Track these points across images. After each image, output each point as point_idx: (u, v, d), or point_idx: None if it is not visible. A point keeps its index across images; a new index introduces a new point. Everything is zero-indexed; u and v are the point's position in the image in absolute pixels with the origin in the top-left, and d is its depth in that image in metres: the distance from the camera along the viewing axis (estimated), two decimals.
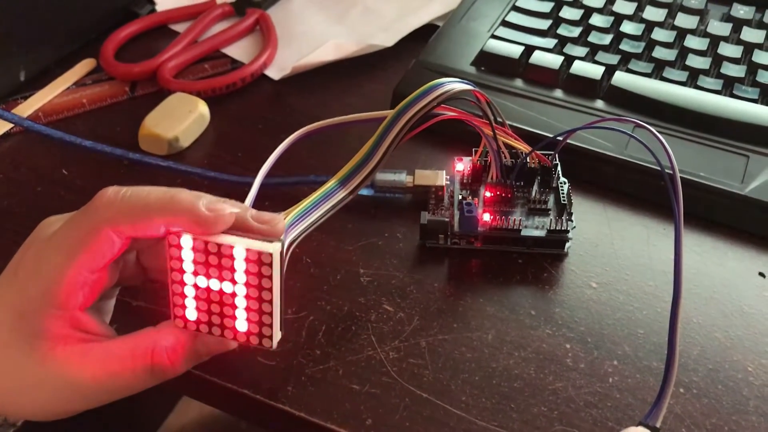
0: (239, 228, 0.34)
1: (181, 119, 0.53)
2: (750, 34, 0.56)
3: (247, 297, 0.34)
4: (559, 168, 0.47)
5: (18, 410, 0.37)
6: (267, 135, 0.54)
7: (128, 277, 0.38)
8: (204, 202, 0.33)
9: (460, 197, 0.46)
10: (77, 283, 0.34)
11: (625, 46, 0.56)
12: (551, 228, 0.44)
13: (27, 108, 0.55)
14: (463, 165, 0.48)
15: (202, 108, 0.54)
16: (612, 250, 0.46)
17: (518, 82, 0.54)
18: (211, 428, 0.98)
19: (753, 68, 0.54)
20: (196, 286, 0.35)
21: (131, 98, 0.57)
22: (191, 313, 0.35)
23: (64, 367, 0.34)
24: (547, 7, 0.59)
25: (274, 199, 0.48)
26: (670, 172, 0.38)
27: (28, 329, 0.34)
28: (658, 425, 0.35)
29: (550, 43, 0.56)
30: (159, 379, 0.35)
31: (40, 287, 0.34)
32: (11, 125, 0.53)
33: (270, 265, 0.33)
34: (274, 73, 0.59)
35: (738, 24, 0.58)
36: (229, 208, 0.34)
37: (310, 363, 0.40)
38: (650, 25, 0.58)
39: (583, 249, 0.46)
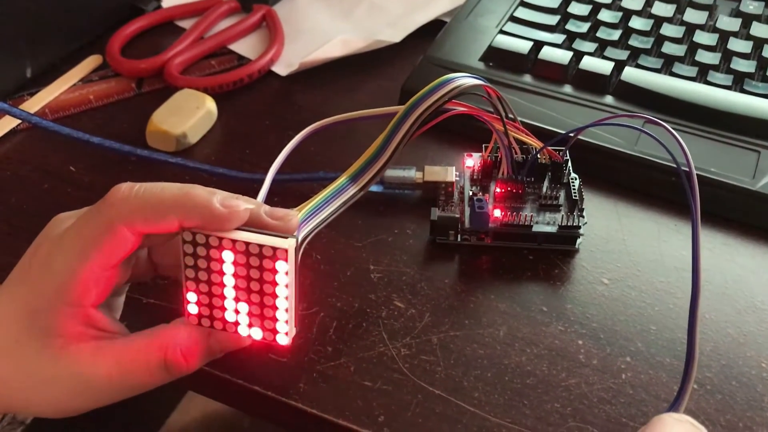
0: (253, 224, 0.34)
1: (189, 116, 0.52)
2: (760, 29, 0.56)
3: (262, 293, 0.34)
4: (569, 164, 0.46)
5: (29, 407, 0.36)
6: (274, 131, 0.54)
7: (139, 273, 0.38)
8: (218, 198, 0.33)
9: (471, 193, 0.46)
10: (90, 281, 0.33)
11: (634, 41, 0.56)
12: (562, 224, 0.44)
13: (34, 104, 0.55)
14: (473, 161, 0.47)
15: (210, 104, 0.54)
16: (623, 246, 0.46)
17: (527, 78, 0.54)
18: (214, 426, 0.98)
19: (763, 63, 0.53)
20: (209, 282, 0.34)
21: (138, 94, 0.57)
22: (205, 310, 0.35)
23: (77, 364, 0.34)
24: (555, 3, 0.59)
25: (284, 195, 0.48)
26: (686, 168, 0.37)
27: (41, 326, 0.34)
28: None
29: (558, 38, 0.56)
30: (173, 376, 0.35)
31: (53, 284, 0.34)
32: (18, 122, 0.53)
33: (285, 260, 0.33)
34: (281, 69, 0.59)
35: (747, 19, 0.58)
36: (244, 204, 0.34)
37: (321, 360, 0.40)
38: (659, 21, 0.57)
39: (594, 245, 0.46)
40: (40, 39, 0.57)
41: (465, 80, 0.40)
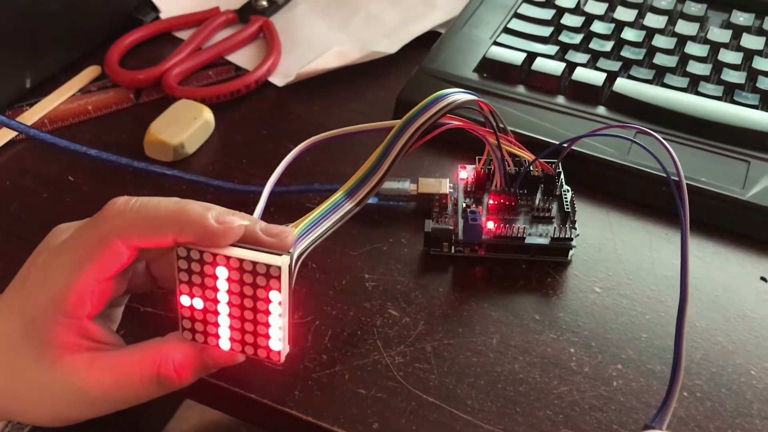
0: (248, 240, 0.34)
1: (187, 126, 0.53)
2: (750, 41, 0.57)
3: (255, 310, 0.34)
4: (562, 176, 0.47)
5: (25, 416, 0.37)
6: (271, 141, 0.55)
7: (137, 285, 0.38)
8: (213, 214, 0.33)
9: (465, 205, 0.46)
10: (85, 292, 0.34)
11: (626, 52, 0.56)
12: (555, 236, 0.45)
13: (33, 115, 0.55)
14: (466, 173, 0.48)
15: (207, 115, 0.54)
16: (615, 255, 0.47)
17: (520, 89, 0.54)
18: None
19: (753, 74, 0.54)
20: (204, 297, 0.35)
21: (136, 105, 0.57)
22: (199, 326, 0.35)
23: (71, 374, 0.34)
24: (548, 15, 0.60)
25: (279, 206, 0.49)
26: (676, 178, 0.38)
27: (36, 336, 0.34)
28: (663, 429, 0.35)
29: (551, 49, 0.57)
30: (166, 389, 0.35)
31: (48, 295, 0.34)
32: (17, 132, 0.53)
33: (278, 278, 0.33)
34: (278, 79, 0.59)
35: (738, 31, 0.58)
36: (239, 220, 0.34)
37: (316, 367, 0.40)
38: (651, 32, 0.58)
39: (587, 254, 0.47)
40: (39, 50, 0.57)
41: (459, 96, 0.41)
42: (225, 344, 0.36)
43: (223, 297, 0.34)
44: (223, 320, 0.35)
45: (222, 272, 0.34)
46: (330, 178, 0.51)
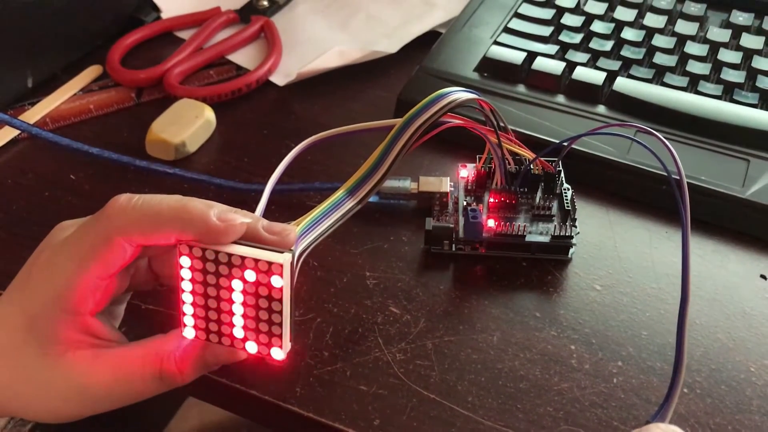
0: (250, 238, 0.34)
1: (188, 125, 0.53)
2: (749, 41, 0.57)
3: (257, 308, 0.34)
4: (562, 174, 0.47)
5: (27, 412, 0.37)
6: (272, 140, 0.55)
7: (140, 282, 0.38)
8: (215, 212, 0.33)
9: (465, 203, 0.46)
10: (88, 289, 0.34)
11: (626, 52, 0.57)
12: (555, 234, 0.45)
13: (34, 114, 0.55)
14: (467, 171, 0.48)
15: (209, 114, 0.54)
16: (615, 253, 0.47)
17: (521, 88, 0.55)
18: None
19: (752, 74, 0.54)
20: (206, 295, 0.35)
21: (137, 104, 0.57)
22: (201, 323, 0.36)
23: (74, 371, 0.34)
24: (548, 14, 0.60)
25: (280, 204, 0.49)
26: (677, 177, 0.38)
27: (39, 333, 0.34)
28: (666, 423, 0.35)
29: (552, 49, 0.57)
30: (167, 386, 0.36)
31: (51, 292, 0.34)
32: (19, 131, 0.53)
33: (280, 276, 0.33)
34: (279, 79, 0.59)
35: (737, 30, 0.59)
36: (241, 218, 0.34)
37: (318, 364, 0.41)
38: (651, 32, 0.58)
39: (587, 252, 0.47)
40: (41, 50, 0.57)
41: (460, 94, 0.41)
42: (227, 341, 0.36)
43: (224, 294, 0.35)
44: (225, 317, 0.35)
45: (223, 270, 0.34)
46: (331, 177, 0.51)
